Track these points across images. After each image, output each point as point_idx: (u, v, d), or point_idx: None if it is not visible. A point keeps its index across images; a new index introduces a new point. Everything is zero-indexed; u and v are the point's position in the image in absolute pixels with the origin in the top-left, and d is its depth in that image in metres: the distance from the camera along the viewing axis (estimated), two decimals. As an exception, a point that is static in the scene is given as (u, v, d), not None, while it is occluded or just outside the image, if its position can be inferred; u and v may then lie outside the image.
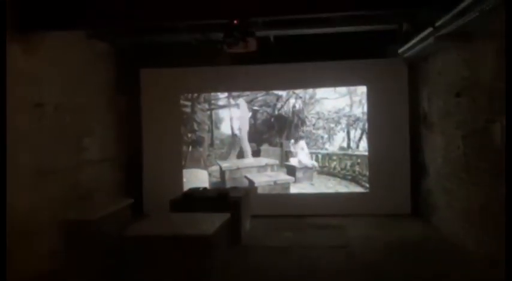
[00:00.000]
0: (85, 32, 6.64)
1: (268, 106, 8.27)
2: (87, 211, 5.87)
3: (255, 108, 8.28)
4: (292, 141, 8.19)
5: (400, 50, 6.49)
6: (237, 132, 8.32)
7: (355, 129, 8.14)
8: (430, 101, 6.90)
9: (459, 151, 5.61)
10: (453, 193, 5.87)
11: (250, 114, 8.28)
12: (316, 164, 8.12)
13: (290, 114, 8.18)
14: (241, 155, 8.24)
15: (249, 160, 8.21)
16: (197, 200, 6.33)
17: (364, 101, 7.85)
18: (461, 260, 5.22)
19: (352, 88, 8.06)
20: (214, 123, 8.33)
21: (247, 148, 8.20)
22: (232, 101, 8.35)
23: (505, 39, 3.86)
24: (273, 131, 8.21)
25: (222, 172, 8.19)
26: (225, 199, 6.27)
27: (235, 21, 4.86)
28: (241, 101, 8.30)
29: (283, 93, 8.25)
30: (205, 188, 7.21)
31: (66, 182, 5.91)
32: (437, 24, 4.67)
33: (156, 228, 5.15)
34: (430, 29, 4.87)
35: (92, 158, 6.75)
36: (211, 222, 5.20)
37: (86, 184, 6.49)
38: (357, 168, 8.05)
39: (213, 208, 5.90)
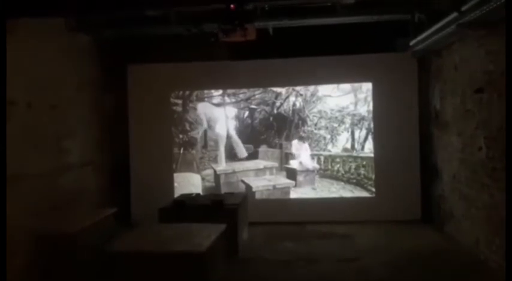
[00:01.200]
0: (65, 23, 6.04)
1: (267, 104, 7.81)
2: (66, 222, 5.23)
3: (253, 106, 7.78)
4: (294, 142, 7.70)
5: (412, 42, 5.93)
6: (232, 133, 7.82)
7: (360, 129, 7.68)
8: (443, 99, 6.36)
9: (481, 153, 5.05)
10: (473, 199, 5.31)
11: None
12: (318, 166, 7.64)
13: (290, 113, 7.73)
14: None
15: (247, 163, 7.71)
16: (189, 208, 5.77)
17: (370, 98, 7.40)
18: (485, 277, 4.67)
19: (356, 85, 7.59)
20: (207, 123, 7.85)
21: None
22: (227, 99, 7.83)
23: (506, 38, 3.60)
24: (272, 131, 7.74)
25: (217, 176, 7.68)
26: (220, 206, 5.70)
27: (232, 6, 4.28)
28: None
29: (282, 90, 7.78)
30: (198, 195, 6.67)
31: (41, 189, 5.28)
32: (464, 8, 4.09)
33: (143, 243, 4.57)
34: (454, 15, 4.29)
35: (72, 162, 6.16)
36: (205, 235, 4.64)
37: (65, 191, 5.87)
38: (362, 171, 7.58)
39: (206, 217, 5.38)
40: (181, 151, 7.73)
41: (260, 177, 7.70)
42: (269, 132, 7.75)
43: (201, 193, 7.28)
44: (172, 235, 4.73)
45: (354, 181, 7.58)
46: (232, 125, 7.81)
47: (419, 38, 5.65)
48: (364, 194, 7.48)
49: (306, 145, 7.64)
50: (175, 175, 7.61)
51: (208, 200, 5.96)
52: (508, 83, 3.49)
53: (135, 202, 7.41)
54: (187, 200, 6.07)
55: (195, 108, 7.77)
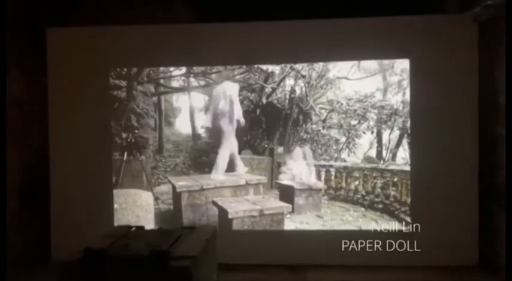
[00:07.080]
0: None
1: (252, 90, 5.90)
2: None
3: (231, 93, 5.89)
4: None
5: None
6: (200, 131, 5.92)
7: (391, 129, 5.83)
8: (531, 84, 4.19)
9: None
10: None
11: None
12: (321, 184, 5.82)
13: (286, 104, 5.90)
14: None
15: (220, 177, 5.72)
16: (110, 263, 3.45)
17: (406, 83, 5.49)
18: None
19: (386, 63, 5.69)
20: (164, 117, 5.93)
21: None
22: (194, 82, 5.86)
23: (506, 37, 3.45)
24: (259, 130, 5.93)
25: (177, 195, 5.62)
26: (163, 262, 3.38)
27: None
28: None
29: (275, 69, 5.86)
30: (140, 229, 4.34)
31: None
32: None
33: None
34: None
35: None
36: None
37: None
38: (392, 191, 5.70)
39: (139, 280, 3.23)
40: (125, 156, 5.74)
41: (241, 197, 5.82)
42: (255, 131, 5.93)
43: (153, 223, 5.33)
44: None
45: (380, 206, 5.69)
46: (200, 120, 5.91)
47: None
48: (395, 225, 5.59)
49: (308, 151, 5.77)
50: (115, 191, 5.59)
51: (145, 247, 3.62)
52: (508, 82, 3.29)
53: (56, 233, 5.46)
54: (115, 245, 3.73)
55: (145, 94, 5.74)
